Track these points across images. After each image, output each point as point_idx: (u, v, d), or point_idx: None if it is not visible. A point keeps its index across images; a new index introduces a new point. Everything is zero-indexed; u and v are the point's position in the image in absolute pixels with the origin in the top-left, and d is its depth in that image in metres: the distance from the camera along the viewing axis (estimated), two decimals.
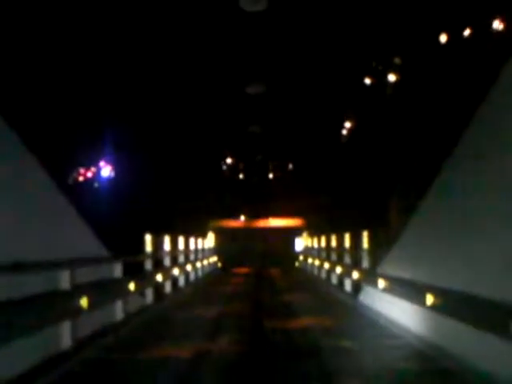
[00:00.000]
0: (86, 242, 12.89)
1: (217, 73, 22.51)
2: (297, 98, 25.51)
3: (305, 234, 36.78)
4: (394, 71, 16.96)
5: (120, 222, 27.44)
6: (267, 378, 8.00)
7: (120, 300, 12.84)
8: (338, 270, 20.87)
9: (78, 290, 10.12)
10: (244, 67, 21.30)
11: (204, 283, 24.95)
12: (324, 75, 21.29)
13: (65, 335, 9.80)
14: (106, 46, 26.20)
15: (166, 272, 19.12)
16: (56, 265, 9.92)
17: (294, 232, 38.27)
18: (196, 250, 27.77)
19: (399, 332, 11.33)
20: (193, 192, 34.62)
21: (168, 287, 19.55)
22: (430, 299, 9.93)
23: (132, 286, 13.44)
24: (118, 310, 12.90)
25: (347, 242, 20.51)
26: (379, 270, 14.91)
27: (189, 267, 23.83)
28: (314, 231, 33.53)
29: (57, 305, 9.37)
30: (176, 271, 20.38)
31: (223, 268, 36.43)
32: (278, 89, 23.94)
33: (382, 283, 13.61)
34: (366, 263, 17.28)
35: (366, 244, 17.41)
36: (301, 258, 36.44)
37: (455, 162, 11.77)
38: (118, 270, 13.29)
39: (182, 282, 22.51)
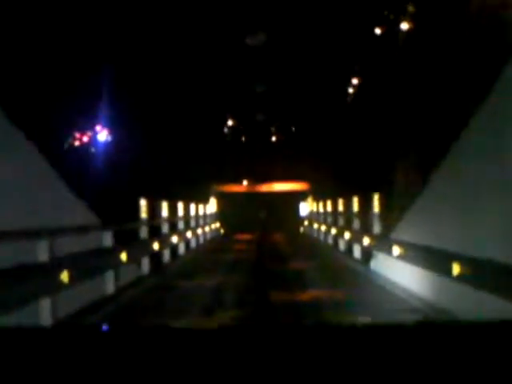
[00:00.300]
0: (72, 210, 11.65)
1: (215, 23, 21.10)
2: (300, 51, 24.04)
3: (310, 199, 35.57)
4: (407, 20, 15.53)
5: (117, 189, 26.21)
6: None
7: (110, 272, 11.66)
8: (347, 235, 19.67)
9: (58, 263, 8.91)
10: (244, 16, 19.87)
11: (205, 250, 23.80)
12: (330, 25, 19.89)
13: (44, 314, 8.61)
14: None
15: (164, 240, 17.95)
16: (32, 234, 8.70)
17: (299, 196, 37.03)
18: (197, 216, 26.59)
19: (418, 304, 10.14)
20: (194, 156, 33.29)
21: (167, 256, 18.40)
22: (456, 268, 8.70)
23: (124, 257, 12.25)
24: (109, 284, 11.73)
25: (355, 206, 19.27)
26: (393, 235, 13.68)
27: (189, 234, 22.66)
28: (320, 195, 32.31)
29: (33, 280, 8.17)
30: (175, 239, 19.20)
31: (226, 234, 35.31)
32: (280, 41, 22.54)
33: (397, 250, 12.40)
34: (377, 229, 16.05)
35: (376, 208, 16.16)
36: (306, 223, 35.27)
37: (479, 122, 10.44)
38: (107, 240, 12.09)
39: (181, 249, 21.38)
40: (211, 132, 33.92)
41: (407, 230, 12.93)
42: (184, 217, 22.26)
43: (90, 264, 10.11)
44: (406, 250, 11.61)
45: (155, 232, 18.30)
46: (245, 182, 36.92)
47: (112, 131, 28.89)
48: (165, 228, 18.82)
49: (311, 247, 24.50)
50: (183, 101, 30.30)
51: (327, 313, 9.76)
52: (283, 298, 11.19)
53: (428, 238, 10.73)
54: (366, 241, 16.22)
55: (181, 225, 21.94)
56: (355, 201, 19.24)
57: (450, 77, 16.26)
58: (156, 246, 15.70)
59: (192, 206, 25.44)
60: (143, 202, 15.65)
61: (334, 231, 23.24)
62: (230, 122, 34.64)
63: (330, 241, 25.03)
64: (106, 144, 28.84)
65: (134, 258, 13.67)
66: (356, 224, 19.19)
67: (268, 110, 32.51)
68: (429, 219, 11.59)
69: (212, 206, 35.53)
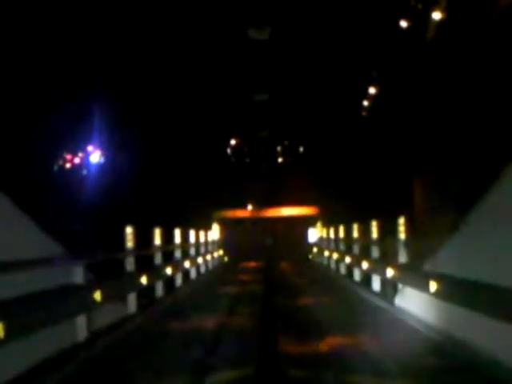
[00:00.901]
0: (33, 241, 9.25)
1: (214, 21, 18.90)
2: (309, 55, 21.67)
3: (319, 224, 33.10)
4: (440, 9, 13.28)
5: (110, 214, 23.84)
6: None
7: (78, 316, 9.23)
8: (364, 265, 17.21)
9: None
10: (246, 12, 17.65)
11: (206, 282, 21.35)
12: (345, 21, 17.65)
13: None
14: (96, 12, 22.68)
15: (156, 272, 15.55)
16: None
17: (307, 222, 34.58)
18: (197, 244, 24.17)
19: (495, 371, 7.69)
20: (195, 179, 30.98)
21: (160, 290, 15.99)
22: None
23: (98, 296, 9.83)
24: (77, 330, 9.30)
25: (374, 232, 16.81)
26: (427, 267, 11.23)
27: (187, 264, 20.24)
28: (330, 220, 29.88)
29: None
30: (169, 270, 16.80)
31: (230, 262, 32.89)
32: (286, 41, 20.26)
33: (434, 285, 9.97)
34: (402, 258, 13.60)
35: (402, 234, 13.71)
36: (315, 250, 32.77)
37: None
38: (78, 275, 9.67)
39: (179, 281, 18.96)
40: (213, 153, 31.58)
41: (445, 261, 10.49)
42: (181, 245, 19.84)
43: (42, 308, 7.68)
44: (452, 287, 9.16)
45: (147, 262, 15.91)
46: (249, 207, 34.54)
47: (105, 152, 26.64)
48: (158, 258, 16.41)
49: (323, 277, 22.02)
50: (183, 119, 28.02)
51: (356, 375, 7.30)
52: (296, 350, 8.74)
53: (482, 272, 8.30)
54: (390, 272, 13.76)
55: (177, 254, 19.52)
56: (373, 225, 16.78)
57: (484, 82, 14.06)
58: (144, 279, 13.26)
59: (191, 233, 23.02)
60: (129, 230, 13.27)
61: (348, 260, 20.79)
62: (233, 142, 32.26)
63: (343, 270, 22.57)
64: (99, 166, 26.58)
65: (114, 296, 11.25)
66: (375, 252, 16.74)
67: (273, 127, 30.09)
68: (475, 252, 9.16)
69: (215, 232, 33.12)
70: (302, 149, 33.41)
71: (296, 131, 30.78)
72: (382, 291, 15.72)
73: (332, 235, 26.40)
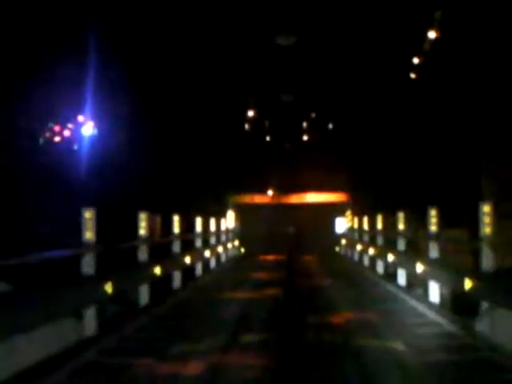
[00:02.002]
0: None
1: None
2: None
3: (348, 213, 28.72)
4: None
5: (105, 199, 19.77)
6: None
7: None
8: (419, 268, 12.83)
9: None
10: None
11: (213, 283, 17.12)
12: None
13: None
14: None
15: (139, 271, 11.39)
16: None
17: (335, 210, 30.13)
18: (205, 234, 20.01)
19: None
20: (207, 157, 26.74)
21: (145, 297, 11.84)
22: None
23: None
24: None
25: (433, 224, 12.39)
26: None
27: (187, 260, 16.05)
28: (362, 209, 25.53)
29: None
30: (157, 270, 12.58)
31: (246, 254, 28.71)
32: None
33: None
34: (488, 263, 9.28)
35: (487, 227, 9.38)
36: (343, 241, 28.39)
37: None
38: None
39: (177, 282, 14.83)
40: (229, 127, 27.21)
41: None
42: (180, 235, 15.65)
43: None
44: None
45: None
46: (270, 192, 30.09)
47: (99, 123, 22.45)
48: (143, 253, 12.23)
49: (359, 279, 17.71)
50: (193, 81, 23.68)
51: None
52: None
53: None
54: (468, 284, 9.40)
55: (176, 247, 15.35)
56: (433, 215, 12.37)
57: None
58: (109, 288, 9.04)
59: (198, 221, 18.82)
60: (88, 215, 9.06)
61: (390, 257, 16.43)
62: (250, 113, 27.70)
63: (381, 270, 18.27)
64: (92, 140, 22.41)
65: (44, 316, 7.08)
66: (433, 252, 12.37)
67: (298, 90, 25.43)
68: None
69: (230, 220, 28.90)
70: (331, 125, 28.79)
71: (325, 100, 26.17)
72: (443, 303, 11.48)
73: (366, 226, 22.05)
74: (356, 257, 24.33)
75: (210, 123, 26.01)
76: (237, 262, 25.37)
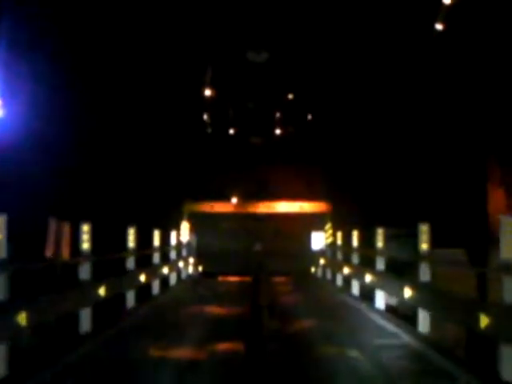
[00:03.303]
0: None
1: None
2: None
3: (328, 226, 23.69)
4: None
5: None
6: None
7: None
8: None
9: None
10: None
11: (143, 325, 11.94)
12: None
13: None
14: None
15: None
16: None
17: (311, 223, 24.95)
18: (144, 251, 14.86)
19: None
20: (153, 155, 21.49)
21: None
22: None
23: None
24: None
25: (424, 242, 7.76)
26: None
27: (102, 291, 10.82)
28: (347, 221, 20.64)
29: None
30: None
31: (204, 274, 23.62)
32: None
33: None
34: None
35: None
36: (321, 261, 23.30)
37: None
38: None
39: (86, 325, 9.57)
40: (183, 116, 21.96)
41: None
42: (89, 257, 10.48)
43: None
44: None
45: None
46: (233, 200, 24.74)
47: (8, 102, 17.05)
48: None
49: (355, 321, 12.62)
50: (138, 63, 18.54)
51: None
52: None
53: None
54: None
55: (85, 273, 10.17)
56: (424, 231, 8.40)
57: None
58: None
59: (131, 234, 13.62)
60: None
61: (395, 288, 11.42)
62: (207, 92, 22.22)
63: (381, 304, 13.33)
64: None
65: None
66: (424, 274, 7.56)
67: (269, 82, 20.31)
68: None
69: (184, 233, 23.70)
70: (310, 116, 23.51)
71: (305, 81, 20.99)
72: None
73: (355, 242, 17.05)
74: (339, 282, 19.33)
75: (158, 110, 20.77)
76: (188, 286, 20.14)
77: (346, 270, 17.28)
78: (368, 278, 14.25)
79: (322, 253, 24.29)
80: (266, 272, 24.40)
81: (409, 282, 11.23)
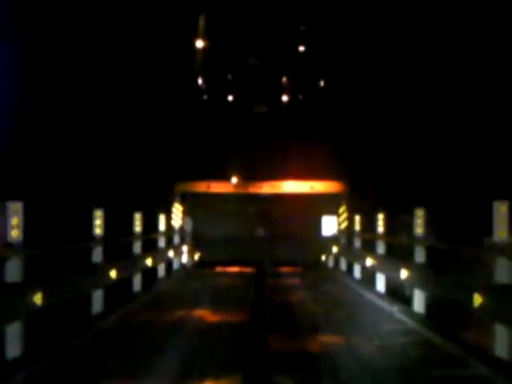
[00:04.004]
0: None
1: None
2: None
3: (343, 209, 20.57)
4: None
5: None
6: None
7: None
8: None
9: None
10: None
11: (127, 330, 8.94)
12: None
13: None
14: None
15: None
16: None
17: (323, 204, 21.72)
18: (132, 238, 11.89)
19: None
20: (139, 124, 18.37)
21: None
22: None
23: None
24: None
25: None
26: None
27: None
28: (366, 203, 17.60)
29: None
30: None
31: (199, 265, 20.70)
32: None
33: None
34: None
35: None
36: (334, 249, 20.25)
37: None
38: None
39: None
40: (173, 82, 18.76)
41: None
42: None
43: None
44: None
45: None
46: (233, 179, 21.50)
47: None
48: None
49: (378, 324, 9.63)
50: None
51: None
52: None
53: None
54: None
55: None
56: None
57: None
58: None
59: (97, 218, 10.57)
60: None
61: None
62: (199, 44, 18.82)
63: (420, 306, 10.31)
64: None
65: None
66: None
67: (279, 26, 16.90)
68: None
69: (176, 217, 20.64)
70: (322, 82, 20.25)
71: (318, 39, 17.73)
72: None
73: (380, 229, 13.98)
74: (357, 274, 16.33)
75: (144, 72, 17.58)
76: (178, 280, 17.08)
77: (369, 262, 14.15)
78: (403, 273, 11.15)
79: (334, 239, 21.24)
80: (271, 261, 21.52)
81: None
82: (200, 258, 21.65)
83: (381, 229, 13.95)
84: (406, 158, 18.66)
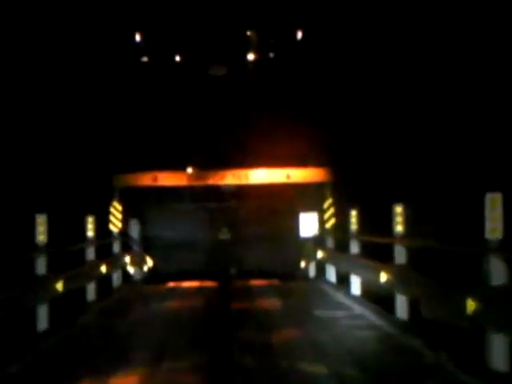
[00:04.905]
0: None
1: None
2: None
3: (328, 202, 16.18)
4: None
5: None
6: None
7: None
8: None
9: None
10: None
11: None
12: None
13: None
14: None
15: None
16: None
17: (301, 198, 17.21)
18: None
19: None
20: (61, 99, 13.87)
21: None
22: None
23: None
24: None
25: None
26: None
27: None
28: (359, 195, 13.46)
29: None
30: None
31: (146, 280, 16.29)
32: None
33: None
34: None
35: None
36: (319, 254, 15.88)
37: None
38: None
39: None
40: (103, 40, 14.22)
41: None
42: None
43: None
44: None
45: None
46: (188, 168, 16.83)
47: None
48: None
49: None
50: None
51: None
52: None
53: None
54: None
55: None
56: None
57: None
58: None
59: None
60: None
61: None
62: None
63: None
64: None
65: None
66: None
67: None
68: None
69: (115, 219, 16.09)
70: (300, 34, 15.51)
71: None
72: None
73: (400, 228, 9.69)
74: (356, 289, 12.08)
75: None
76: (117, 305, 12.44)
77: (384, 277, 9.72)
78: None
79: (315, 241, 16.88)
80: (238, 271, 17.26)
81: None
82: (152, 268, 17.20)
83: (399, 228, 9.61)
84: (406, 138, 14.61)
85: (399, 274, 9.34)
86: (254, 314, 11.01)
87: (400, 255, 9.63)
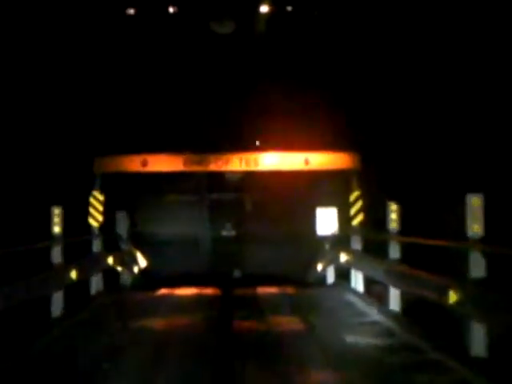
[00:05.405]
0: None
1: None
2: None
3: (355, 194, 13.57)
4: None
5: None
6: None
7: None
8: None
9: None
10: None
11: None
12: None
13: None
14: None
15: None
16: None
17: (324, 188, 14.64)
18: None
19: None
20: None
21: None
22: None
23: None
24: None
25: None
26: None
27: None
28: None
29: None
30: None
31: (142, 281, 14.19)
32: None
33: None
34: None
35: None
36: (342, 257, 13.23)
37: None
38: None
39: None
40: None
41: None
42: None
43: None
44: None
45: None
46: (184, 151, 14.17)
47: None
48: None
49: None
50: None
51: None
52: None
53: None
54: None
55: None
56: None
57: None
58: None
59: None
60: None
61: None
62: None
63: None
64: None
65: None
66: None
67: None
68: None
69: (95, 212, 13.51)
70: (316, 12, 12.70)
71: None
72: None
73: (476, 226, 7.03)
74: (394, 304, 9.48)
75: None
76: (73, 336, 9.64)
77: (453, 298, 6.96)
78: None
79: (335, 241, 14.28)
80: (242, 274, 14.91)
81: None
82: (144, 268, 14.69)
83: (475, 228, 6.90)
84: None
85: (474, 293, 6.73)
86: (266, 344, 8.22)
87: (476, 266, 7.07)
